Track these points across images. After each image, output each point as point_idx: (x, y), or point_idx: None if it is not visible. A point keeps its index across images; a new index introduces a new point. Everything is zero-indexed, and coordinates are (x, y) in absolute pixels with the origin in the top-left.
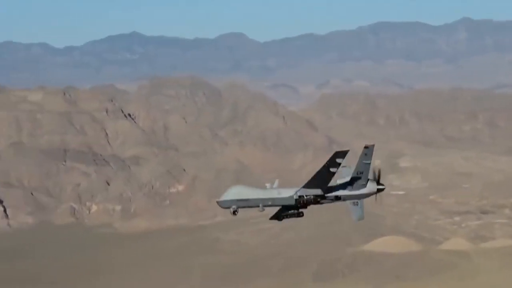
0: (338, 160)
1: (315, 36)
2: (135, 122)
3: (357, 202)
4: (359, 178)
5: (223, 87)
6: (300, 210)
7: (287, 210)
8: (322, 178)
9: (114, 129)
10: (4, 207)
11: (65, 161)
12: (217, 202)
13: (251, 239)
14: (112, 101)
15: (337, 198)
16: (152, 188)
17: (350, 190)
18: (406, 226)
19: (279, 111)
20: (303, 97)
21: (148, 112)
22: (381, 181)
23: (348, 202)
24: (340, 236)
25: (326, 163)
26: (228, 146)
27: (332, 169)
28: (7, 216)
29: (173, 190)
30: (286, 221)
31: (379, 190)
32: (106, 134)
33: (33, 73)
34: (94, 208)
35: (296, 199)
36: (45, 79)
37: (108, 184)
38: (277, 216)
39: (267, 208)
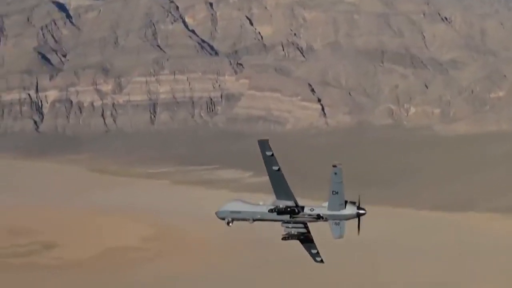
0: (267, 153)
1: None
2: (451, 26)
3: (339, 222)
4: (335, 198)
5: None
6: (302, 230)
7: (292, 225)
8: (277, 182)
9: (431, 32)
10: (322, 105)
11: (382, 63)
12: (215, 213)
13: None
14: (428, 4)
15: (320, 217)
16: (472, 92)
17: (331, 210)
18: None
19: None
20: None
21: (463, 17)
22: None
23: (330, 221)
24: None
25: (264, 162)
26: None
27: (274, 167)
28: (325, 114)
29: (493, 95)
30: None
31: (359, 214)
32: (423, 36)
33: None
34: (413, 110)
35: (270, 209)
36: None
37: (427, 87)
38: (291, 235)
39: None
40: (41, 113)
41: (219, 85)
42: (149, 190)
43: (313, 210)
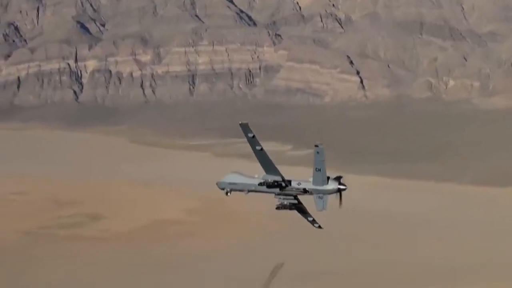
0: (249, 135)
1: None
2: None
3: (322, 196)
4: (319, 175)
5: None
6: (290, 201)
7: (283, 197)
8: (263, 161)
9: (470, 4)
10: (360, 78)
11: (421, 34)
12: (216, 184)
13: None
14: None
15: (306, 190)
16: (511, 65)
17: (315, 185)
18: None
19: None
20: None
21: None
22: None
23: (314, 195)
24: None
25: (248, 143)
26: None
27: (257, 147)
28: (363, 87)
29: None
30: None
31: (340, 190)
32: (462, 8)
33: None
34: (451, 83)
35: (260, 183)
36: None
37: (465, 60)
38: (283, 206)
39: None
40: (81, 83)
41: (258, 57)
42: (191, 162)
43: (300, 184)
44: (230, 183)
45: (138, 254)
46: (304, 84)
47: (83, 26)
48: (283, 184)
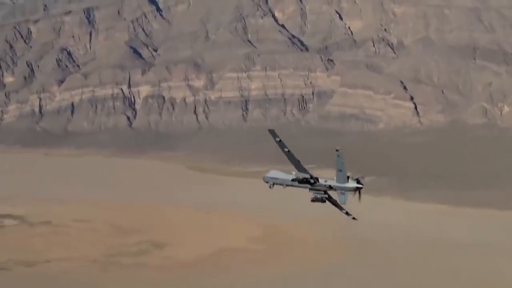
0: (276, 139)
1: None
2: None
3: (344, 192)
4: (340, 174)
5: None
6: (322, 195)
7: (315, 191)
8: (292, 161)
9: None
10: (414, 104)
11: (474, 59)
12: (262, 178)
13: None
14: None
15: (331, 187)
16: None
17: (338, 183)
18: None
19: None
20: None
21: None
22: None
23: (338, 191)
24: None
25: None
26: None
27: (285, 149)
28: (418, 113)
29: None
30: None
31: (357, 188)
32: None
33: None
34: (506, 109)
35: (292, 179)
36: None
37: None
38: (316, 199)
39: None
40: (134, 109)
41: (310, 82)
42: (248, 189)
43: (326, 181)
44: (272, 178)
45: (204, 282)
46: (358, 110)
47: (135, 51)
48: (312, 181)
